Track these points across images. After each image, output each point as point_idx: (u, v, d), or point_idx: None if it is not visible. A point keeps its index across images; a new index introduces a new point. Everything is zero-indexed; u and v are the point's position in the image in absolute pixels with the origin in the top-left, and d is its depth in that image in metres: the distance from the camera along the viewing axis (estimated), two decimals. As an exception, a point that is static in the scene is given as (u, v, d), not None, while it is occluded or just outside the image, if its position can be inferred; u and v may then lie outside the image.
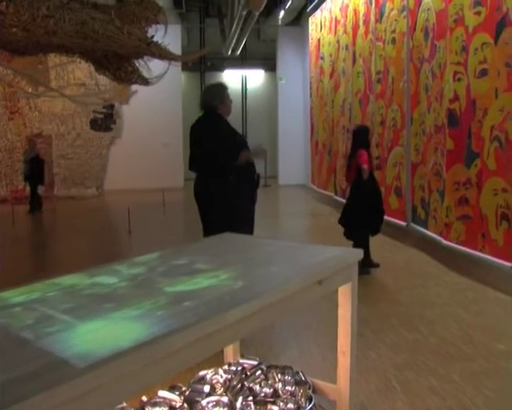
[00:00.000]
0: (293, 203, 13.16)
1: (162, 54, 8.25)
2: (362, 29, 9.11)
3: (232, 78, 19.52)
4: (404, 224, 7.50)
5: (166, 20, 13.07)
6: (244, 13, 10.26)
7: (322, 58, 12.06)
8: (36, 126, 15.91)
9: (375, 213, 5.99)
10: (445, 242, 6.08)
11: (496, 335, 4.01)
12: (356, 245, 5.92)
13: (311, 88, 13.40)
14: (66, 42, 6.84)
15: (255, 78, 19.59)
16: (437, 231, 6.37)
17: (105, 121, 16.44)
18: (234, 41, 13.76)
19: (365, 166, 5.76)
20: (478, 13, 5.41)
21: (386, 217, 8.05)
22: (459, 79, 5.76)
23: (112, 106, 16.41)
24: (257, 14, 10.32)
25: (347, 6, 9.91)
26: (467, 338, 3.94)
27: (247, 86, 19.67)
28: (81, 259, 7.20)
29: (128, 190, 15.55)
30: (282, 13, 14.14)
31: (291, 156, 15.79)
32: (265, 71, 19.07)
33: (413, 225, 7.26)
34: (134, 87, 15.35)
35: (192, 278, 1.83)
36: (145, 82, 11.29)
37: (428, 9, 6.53)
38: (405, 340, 3.94)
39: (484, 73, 5.37)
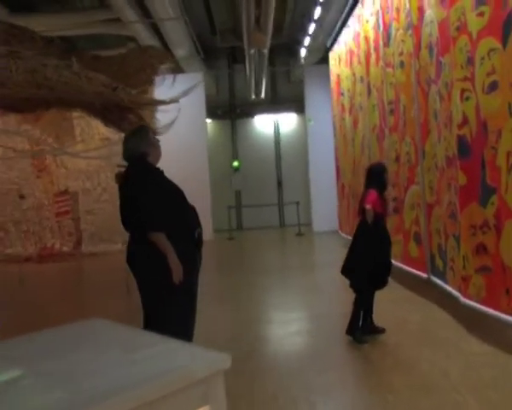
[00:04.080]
0: (318, 253, 12.10)
1: (133, 99, 7.54)
2: (373, 56, 8.15)
3: (264, 123, 18.88)
4: (424, 275, 6.31)
5: (175, 68, 12.55)
6: (252, 52, 9.59)
7: (342, 94, 11.13)
8: (62, 183, 15.69)
9: (381, 264, 4.94)
10: (463, 299, 4.88)
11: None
12: (358, 301, 4.93)
13: (334, 127, 12.44)
14: (17, 92, 6.27)
15: (287, 121, 18.83)
16: (455, 286, 5.18)
17: (130, 175, 16.00)
18: (253, 84, 13.09)
19: (369, 207, 4.79)
20: (481, 14, 4.37)
21: (406, 267, 6.95)
22: (467, 98, 4.69)
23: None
24: (265, 51, 9.63)
25: (359, 34, 9.01)
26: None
27: (280, 131, 18.92)
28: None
29: (156, 243, 14.88)
30: (304, 52, 13.41)
31: (324, 202, 14.75)
32: (297, 114, 18.27)
33: (432, 277, 6.06)
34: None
35: None
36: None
37: (431, 22, 5.52)
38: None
39: (494, 86, 4.29)
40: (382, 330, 5.04)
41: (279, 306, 6.95)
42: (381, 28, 7.50)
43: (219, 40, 15.96)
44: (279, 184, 18.91)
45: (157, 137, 3.96)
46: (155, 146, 3.73)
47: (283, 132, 18.92)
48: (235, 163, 18.85)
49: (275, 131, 18.94)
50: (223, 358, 1.77)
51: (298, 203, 16.16)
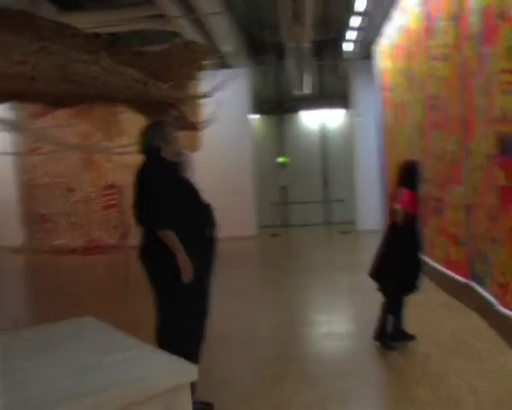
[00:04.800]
0: (360, 253, 11.77)
1: (163, 94, 7.46)
2: (418, 49, 7.79)
3: (311, 119, 18.61)
4: (464, 280, 5.97)
5: (223, 63, 12.44)
6: (293, 46, 9.37)
7: (388, 89, 10.76)
8: (109, 177, 15.93)
9: (411, 267, 4.69)
10: (501, 308, 4.55)
11: None
12: (386, 305, 4.69)
13: (380, 124, 12.04)
14: (49, 87, 6.31)
15: (335, 117, 18.48)
16: (493, 293, 4.85)
17: (176, 170, 16.07)
18: (296, 79, 12.85)
19: (399, 206, 4.56)
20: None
21: (447, 271, 6.63)
22: (510, 92, 4.35)
23: (182, 154, 16.06)
24: (307, 45, 9.38)
25: (404, 26, 8.65)
26: None
27: (326, 127, 18.59)
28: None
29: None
30: (349, 46, 13.06)
31: (369, 200, 14.37)
32: (345, 109, 17.88)
33: (472, 282, 5.71)
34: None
35: None
36: (193, 127, 10.68)
37: (476, 10, 5.18)
38: None
39: (538, 79, 3.95)
40: (413, 338, 4.78)
41: (314, 307, 6.78)
42: (426, 19, 7.15)
43: (267, 35, 15.80)
44: (325, 181, 18.61)
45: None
46: (169, 142, 3.60)
47: (330, 128, 18.59)
48: (282, 159, 18.65)
49: (322, 127, 18.63)
50: (189, 370, 1.65)
51: (342, 201, 15.85)
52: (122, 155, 14.45)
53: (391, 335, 4.71)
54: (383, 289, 4.73)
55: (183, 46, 10.40)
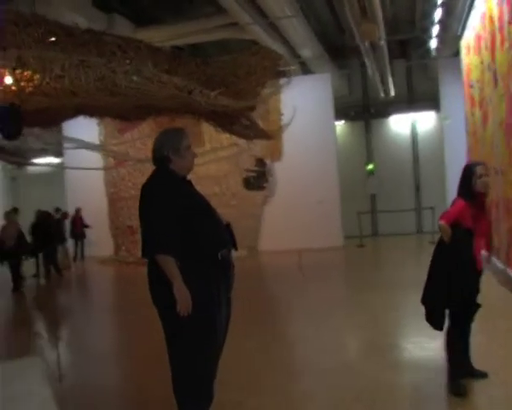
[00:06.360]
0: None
1: (210, 102, 7.12)
2: (498, 38, 6.92)
3: (400, 123, 17.66)
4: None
5: (290, 69, 11.99)
6: (366, 45, 8.78)
7: (472, 86, 9.79)
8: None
9: (460, 295, 3.87)
10: None
11: None
12: (449, 338, 3.95)
13: (467, 124, 11.02)
14: (90, 100, 6.22)
15: (425, 121, 17.38)
16: None
17: (258, 180, 15.86)
18: (378, 81, 12.14)
19: (442, 222, 3.85)
20: None
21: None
22: None
23: (264, 164, 15.81)
24: (381, 43, 8.75)
25: (485, 14, 7.76)
26: None
27: (418, 131, 17.54)
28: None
29: (283, 250, 14.47)
30: (436, 43, 12.17)
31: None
32: (436, 112, 16.76)
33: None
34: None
35: None
36: (266, 136, 10.33)
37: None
38: None
39: None
40: (483, 375, 4.00)
41: (386, 329, 6.07)
42: (505, 1, 6.31)
43: (347, 38, 15.18)
44: (417, 188, 17.57)
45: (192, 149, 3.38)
46: (181, 155, 3.17)
47: (421, 132, 17.53)
48: (370, 166, 17.89)
49: (412, 132, 17.63)
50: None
51: (432, 209, 14.81)
52: (201, 165, 14.36)
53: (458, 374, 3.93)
54: (429, 318, 4.02)
55: (252, 53, 10.10)
